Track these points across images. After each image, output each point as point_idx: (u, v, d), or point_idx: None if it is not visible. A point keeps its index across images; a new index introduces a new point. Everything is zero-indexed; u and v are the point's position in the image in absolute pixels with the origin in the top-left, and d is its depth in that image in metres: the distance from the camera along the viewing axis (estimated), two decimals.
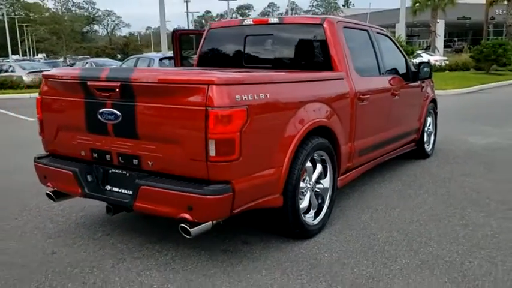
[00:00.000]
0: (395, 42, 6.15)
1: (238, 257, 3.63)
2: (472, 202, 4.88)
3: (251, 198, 3.33)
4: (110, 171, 3.63)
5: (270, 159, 3.44)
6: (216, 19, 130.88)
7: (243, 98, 3.13)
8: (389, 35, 6.04)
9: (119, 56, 40.79)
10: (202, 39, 5.39)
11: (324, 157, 4.08)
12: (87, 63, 24.57)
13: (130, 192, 3.48)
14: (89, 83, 3.47)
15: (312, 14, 38.93)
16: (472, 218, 4.41)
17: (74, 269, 3.46)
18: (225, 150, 3.04)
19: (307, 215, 3.95)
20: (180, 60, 6.49)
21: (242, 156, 3.12)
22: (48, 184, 3.93)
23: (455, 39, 59.77)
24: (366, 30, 5.31)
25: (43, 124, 3.93)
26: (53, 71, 3.95)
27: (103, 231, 4.15)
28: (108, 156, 3.55)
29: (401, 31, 24.93)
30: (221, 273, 3.38)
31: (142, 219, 4.42)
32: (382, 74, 5.34)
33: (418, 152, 6.74)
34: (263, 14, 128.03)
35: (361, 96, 4.62)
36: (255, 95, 3.24)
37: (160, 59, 15.13)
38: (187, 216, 3.12)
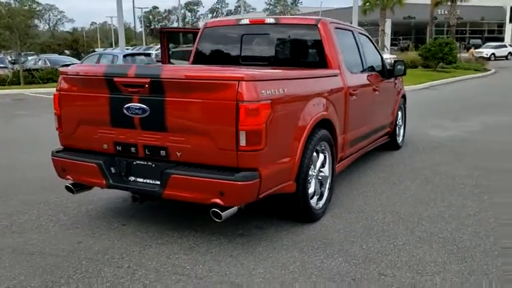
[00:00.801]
0: (373, 41, 6.63)
1: (256, 239, 3.94)
2: (448, 187, 5.41)
3: (273, 184, 3.65)
4: (134, 163, 3.84)
5: (286, 149, 3.77)
6: (164, 15, 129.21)
7: (267, 92, 3.45)
8: (367, 34, 6.50)
9: (67, 52, 39.50)
10: (198, 37, 5.62)
11: (324, 147, 4.45)
12: (40, 59, 23.83)
13: (157, 182, 3.72)
14: (115, 79, 3.66)
15: (270, 12, 39.50)
16: (452, 201, 4.93)
17: (104, 255, 3.65)
18: (253, 140, 3.34)
19: (311, 200, 4.31)
20: (168, 57, 6.69)
21: (267, 146, 3.44)
22: (68, 177, 4.08)
23: (401, 37, 62.24)
24: (351, 31, 5.74)
25: (61, 119, 4.07)
26: (74, 68, 4.10)
27: (118, 222, 4.33)
28: (133, 149, 3.76)
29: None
30: (245, 253, 3.68)
31: (152, 210, 4.63)
32: (365, 71, 5.79)
33: (390, 144, 7.27)
34: (212, 10, 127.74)
35: (352, 92, 5.03)
36: (276, 90, 3.57)
37: (125, 56, 15.10)
38: (218, 201, 3.41)
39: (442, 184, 5.54)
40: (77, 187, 4.14)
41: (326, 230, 4.13)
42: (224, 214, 3.45)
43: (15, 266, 3.48)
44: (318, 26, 4.93)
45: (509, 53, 33.44)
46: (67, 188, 4.13)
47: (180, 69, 3.92)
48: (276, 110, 3.51)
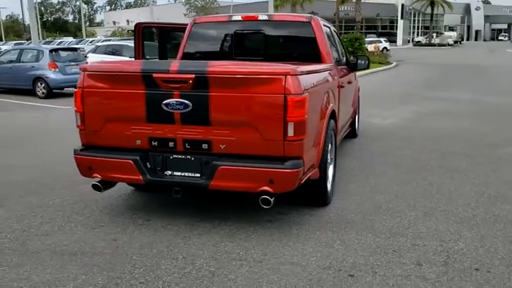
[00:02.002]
0: (339, 36, 7.12)
1: (285, 224, 4.21)
2: (419, 169, 6.05)
3: (308, 172, 3.95)
4: (171, 157, 3.92)
5: (315, 138, 4.08)
6: (58, 6, 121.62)
7: (306, 85, 3.73)
8: (335, 30, 6.97)
9: None
10: (187, 33, 5.68)
11: (331, 136, 4.81)
12: None
13: (196, 175, 3.85)
14: (155, 75, 3.72)
15: (190, 6, 39.09)
16: (430, 180, 5.55)
17: (151, 249, 3.71)
18: (299, 130, 3.62)
19: (328, 185, 4.63)
20: (142, 53, 6.64)
21: (307, 135, 3.73)
22: (95, 175, 4.03)
23: None
24: (329, 27, 6.16)
25: (85, 116, 4.01)
26: (103, 65, 4.05)
27: (140, 217, 4.36)
28: (171, 143, 3.84)
29: None
30: (285, 236, 3.94)
31: (166, 204, 4.69)
32: (341, 64, 6.26)
33: (351, 132, 7.85)
34: (110, 3, 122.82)
35: (340, 84, 5.46)
36: (309, 83, 3.86)
37: (51, 51, 14.28)
38: (267, 188, 3.64)
39: (412, 166, 6.17)
40: (104, 185, 4.11)
41: (343, 212, 4.51)
42: (272, 200, 3.68)
43: (66, 267, 3.43)
44: (311, 23, 5.27)
45: (385, 47, 36.33)
46: (94, 186, 4.08)
47: (226, 64, 4.05)
48: (311, 102, 3.81)
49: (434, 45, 57.49)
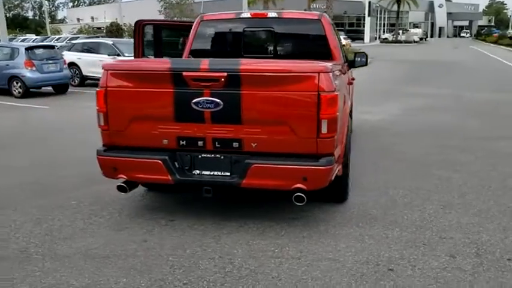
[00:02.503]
0: (338, 33, 7.19)
1: (311, 221, 4.24)
2: (423, 163, 6.19)
3: (337, 168, 3.99)
4: (200, 156, 3.88)
5: (340, 135, 4.12)
6: (16, 2, 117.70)
7: (336, 83, 3.76)
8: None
9: None
10: (194, 30, 5.61)
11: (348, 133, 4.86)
12: None
13: (226, 173, 3.83)
14: (185, 73, 3.67)
15: (165, 2, 38.46)
16: (437, 174, 5.68)
17: (185, 250, 3.68)
18: (332, 127, 3.65)
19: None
20: (142, 51, 6.54)
21: (337, 133, 3.77)
22: (120, 176, 3.96)
23: None
24: (332, 24, 6.21)
25: (108, 116, 3.92)
26: (129, 63, 3.96)
27: (163, 218, 4.30)
28: (200, 142, 3.80)
29: None
30: (314, 233, 3.97)
31: (184, 204, 4.65)
32: (345, 61, 6.32)
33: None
34: None
35: (350, 81, 5.52)
36: (337, 81, 3.89)
37: (27, 49, 13.84)
38: (301, 186, 3.66)
39: (414, 161, 6.31)
40: (130, 186, 4.04)
41: (363, 207, 4.57)
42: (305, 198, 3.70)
43: (103, 270, 3.36)
44: (321, 20, 5.30)
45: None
46: (119, 187, 4.00)
47: (259, 62, 4.02)
48: (339, 99, 3.84)
49: (400, 42, 58.70)
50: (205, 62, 3.71)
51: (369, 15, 58.46)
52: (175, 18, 35.11)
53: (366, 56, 7.10)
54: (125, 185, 3.99)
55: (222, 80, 3.62)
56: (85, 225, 4.16)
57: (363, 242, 3.81)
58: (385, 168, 5.93)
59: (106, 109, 3.92)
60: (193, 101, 3.71)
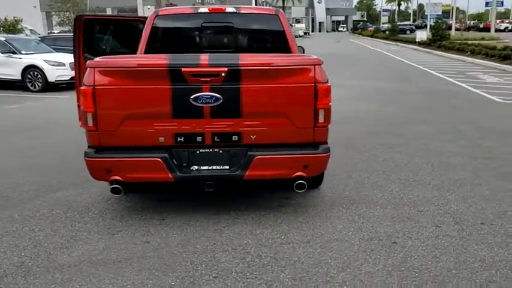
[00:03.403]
0: None
1: (299, 207, 4.45)
2: (365, 147, 6.69)
3: None
4: (198, 152, 3.88)
5: None
6: None
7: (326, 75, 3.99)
8: None
9: None
10: (149, 26, 5.47)
11: None
12: None
13: (225, 167, 3.90)
14: (183, 69, 3.65)
15: None
16: (383, 156, 6.21)
17: (195, 246, 3.68)
18: (327, 116, 3.88)
19: None
20: (82, 50, 6.23)
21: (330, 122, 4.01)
22: (114, 178, 3.82)
23: None
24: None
25: (97, 116, 3.76)
26: (120, 61, 3.81)
27: (152, 218, 4.20)
28: (199, 138, 3.82)
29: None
30: (308, 218, 4.19)
31: (169, 202, 4.60)
32: None
33: None
34: None
35: None
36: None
37: None
38: (302, 173, 3.85)
39: (357, 146, 6.79)
40: (124, 187, 3.91)
41: (336, 190, 4.87)
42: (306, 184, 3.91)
43: (122, 274, 3.27)
44: (278, 15, 5.50)
45: None
46: (114, 190, 3.86)
47: (258, 56, 4.07)
48: None
49: None
50: (204, 58, 3.72)
51: None
52: (68, 13, 33.08)
53: (303, 49, 7.45)
54: (120, 187, 3.85)
55: (222, 74, 3.66)
56: (72, 233, 3.94)
57: (355, 221, 4.11)
58: (337, 154, 6.30)
59: (94, 109, 3.74)
60: (192, 96, 3.70)
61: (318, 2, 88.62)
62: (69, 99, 11.76)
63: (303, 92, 3.77)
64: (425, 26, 65.13)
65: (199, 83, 3.69)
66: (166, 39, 5.59)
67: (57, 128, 8.24)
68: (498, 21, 58.00)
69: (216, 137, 3.82)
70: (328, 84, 3.84)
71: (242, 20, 5.54)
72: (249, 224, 4.06)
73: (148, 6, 38.51)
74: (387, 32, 53.11)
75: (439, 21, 33.26)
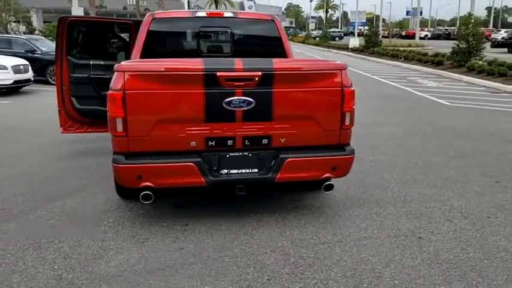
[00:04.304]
0: None
1: (314, 208, 4.56)
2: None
3: None
4: (227, 156, 3.89)
5: None
6: None
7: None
8: None
9: None
10: (144, 30, 5.35)
11: None
12: None
13: (254, 170, 3.95)
14: (218, 74, 3.66)
15: None
16: (362, 156, 6.49)
17: (233, 249, 3.68)
18: (352, 119, 4.04)
19: None
20: (65, 54, 6.01)
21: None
22: (145, 184, 3.74)
23: None
24: None
25: (127, 122, 3.67)
26: (152, 65, 3.72)
27: (175, 224, 4.14)
28: (230, 142, 3.83)
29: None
30: (329, 218, 4.32)
31: (176, 208, 4.54)
32: None
33: None
34: None
35: None
36: None
37: None
38: (330, 175, 3.99)
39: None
40: (155, 193, 3.83)
41: (341, 191, 5.03)
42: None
43: (175, 282, 3.22)
44: (275, 21, 5.61)
45: None
46: (145, 196, 3.76)
47: (289, 61, 4.11)
48: None
49: None
50: (238, 62, 3.74)
51: None
52: None
53: None
54: (151, 193, 3.77)
55: (256, 79, 3.71)
56: (98, 243, 3.79)
57: (374, 220, 4.29)
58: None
59: (124, 114, 3.64)
60: (225, 100, 3.71)
61: (249, 8, 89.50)
62: (12, 104, 11.17)
63: (330, 95, 3.90)
64: (351, 33, 68.17)
65: (232, 87, 3.70)
66: (163, 43, 5.52)
67: (18, 135, 7.79)
68: (419, 29, 61.72)
69: (246, 141, 3.85)
70: (353, 88, 4.00)
71: (239, 25, 5.59)
72: (275, 226, 4.12)
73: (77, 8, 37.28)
74: (317, 39, 54.79)
75: (372, 28, 34.79)
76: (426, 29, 70.28)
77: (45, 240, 3.84)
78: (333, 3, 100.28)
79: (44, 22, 43.98)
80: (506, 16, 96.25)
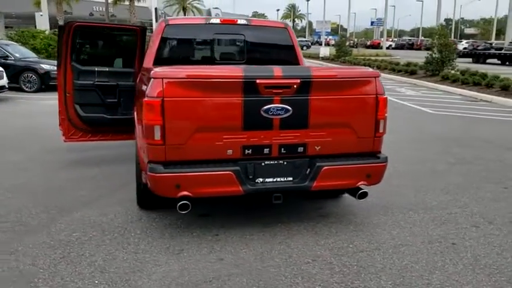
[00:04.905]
0: None
1: (339, 216, 4.56)
2: None
3: None
4: (263, 164, 3.84)
5: None
6: None
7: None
8: None
9: None
10: (158, 36, 5.26)
11: None
12: None
13: (289, 179, 3.91)
14: (258, 81, 3.61)
15: None
16: None
17: (273, 259, 3.62)
18: (385, 127, 4.06)
19: None
20: (69, 60, 5.83)
21: None
22: (183, 193, 3.64)
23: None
24: None
25: (166, 130, 3.57)
26: (191, 72, 3.63)
27: (204, 234, 4.05)
28: (266, 150, 3.79)
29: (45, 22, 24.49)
30: (358, 226, 4.32)
31: (199, 217, 4.45)
32: None
33: None
34: None
35: None
36: None
37: None
38: (364, 182, 3.99)
39: None
40: (192, 202, 3.73)
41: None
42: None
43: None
44: (287, 28, 5.62)
45: None
46: (182, 206, 3.66)
47: (326, 69, 4.08)
48: None
49: None
50: (278, 70, 3.70)
51: (156, 21, 58.96)
52: None
53: None
54: (188, 203, 3.67)
55: (294, 86, 3.68)
56: (133, 255, 3.66)
57: (403, 227, 4.32)
58: None
59: (162, 122, 3.54)
60: (263, 108, 3.67)
61: (216, 15, 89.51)
62: None
63: (366, 102, 3.91)
64: (317, 42, 69.07)
65: (271, 95, 3.66)
66: (177, 50, 5.42)
67: (8, 144, 7.48)
68: (382, 39, 63.26)
69: (282, 149, 3.81)
70: (386, 96, 4.02)
71: (253, 33, 5.56)
72: (307, 235, 4.08)
73: (41, 13, 36.43)
74: None
75: (343, 38, 35.37)
76: (390, 39, 72.09)
77: (74, 253, 3.68)
78: (299, 12, 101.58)
79: (6, 27, 42.71)
80: (463, 28, 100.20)
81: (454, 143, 7.99)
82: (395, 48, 62.86)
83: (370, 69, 4.09)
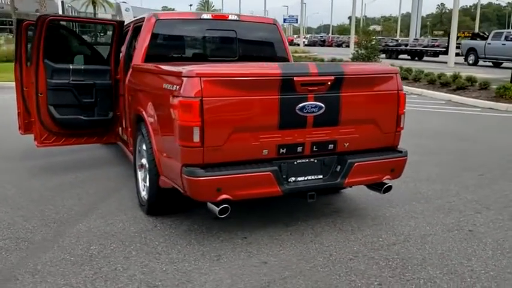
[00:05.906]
0: None
1: (351, 211, 4.62)
2: None
3: None
4: (295, 163, 3.78)
5: None
6: None
7: None
8: None
9: None
10: (148, 31, 4.96)
11: None
12: None
13: (319, 176, 3.90)
14: (295, 78, 3.55)
15: None
16: None
17: (316, 258, 3.59)
18: (404, 121, 4.18)
19: None
20: (42, 57, 5.35)
21: None
22: (223, 197, 3.49)
23: None
24: None
25: (205, 131, 3.40)
26: (228, 69, 3.47)
27: (232, 238, 3.92)
28: (299, 148, 3.74)
29: None
30: (373, 220, 4.39)
31: (215, 219, 4.28)
32: None
33: None
34: None
35: None
36: None
37: None
38: (389, 177, 4.09)
39: None
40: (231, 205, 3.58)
41: (367, 191, 5.05)
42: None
43: None
44: (276, 24, 5.58)
45: None
46: (222, 211, 3.49)
47: (355, 65, 4.04)
48: None
49: None
50: (313, 66, 3.66)
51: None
52: None
53: None
54: (228, 206, 3.51)
55: (329, 83, 3.67)
56: (172, 266, 3.43)
57: (416, 217, 4.47)
58: None
59: (201, 123, 3.36)
60: (298, 106, 3.62)
61: (126, 10, 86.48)
62: None
63: (389, 98, 3.99)
64: None
65: (306, 92, 3.62)
66: (168, 45, 5.17)
67: None
68: (296, 36, 65.02)
69: (314, 147, 3.78)
70: (404, 92, 4.13)
71: (243, 28, 5.46)
72: (335, 232, 4.09)
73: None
74: None
75: None
76: (303, 36, 74.17)
77: (106, 268, 3.38)
78: (213, 7, 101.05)
79: None
80: (367, 24, 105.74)
81: (412, 134, 8.37)
82: (308, 45, 64.76)
83: (390, 66, 4.17)
